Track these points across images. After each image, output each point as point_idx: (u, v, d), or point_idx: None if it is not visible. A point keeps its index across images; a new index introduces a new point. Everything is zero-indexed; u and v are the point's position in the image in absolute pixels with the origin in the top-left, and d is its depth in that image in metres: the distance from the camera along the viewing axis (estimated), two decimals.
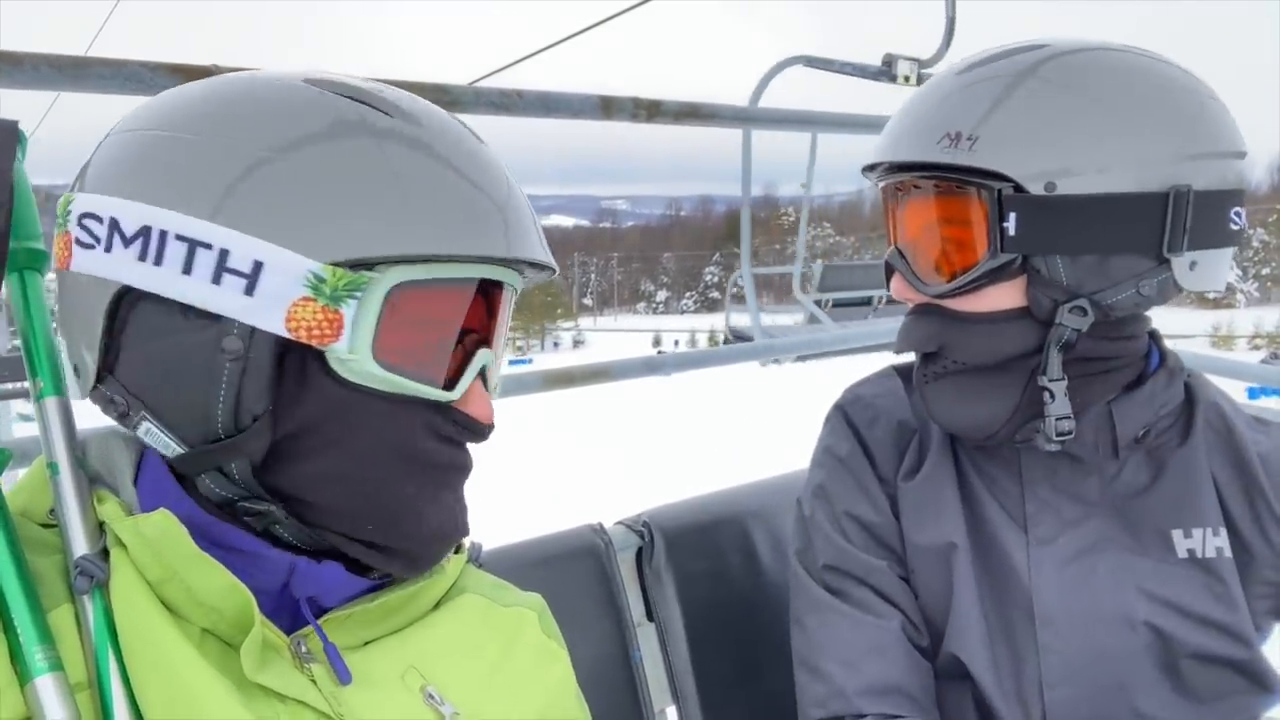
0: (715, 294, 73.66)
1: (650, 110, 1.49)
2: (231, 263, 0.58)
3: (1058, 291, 0.85)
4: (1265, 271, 51.66)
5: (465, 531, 0.70)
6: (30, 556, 0.59)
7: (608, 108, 1.45)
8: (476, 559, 0.82)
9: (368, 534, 0.65)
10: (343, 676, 0.63)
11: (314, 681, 0.62)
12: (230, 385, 0.59)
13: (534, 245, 0.67)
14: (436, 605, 0.75)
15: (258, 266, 0.58)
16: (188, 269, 0.58)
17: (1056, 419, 0.87)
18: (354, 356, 0.59)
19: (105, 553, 0.61)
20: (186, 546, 0.59)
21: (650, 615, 1.22)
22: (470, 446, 0.70)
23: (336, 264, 0.58)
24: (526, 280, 0.73)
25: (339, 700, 0.62)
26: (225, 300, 0.58)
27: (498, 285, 0.68)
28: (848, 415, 1.07)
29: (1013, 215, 0.84)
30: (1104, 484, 0.93)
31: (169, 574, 0.59)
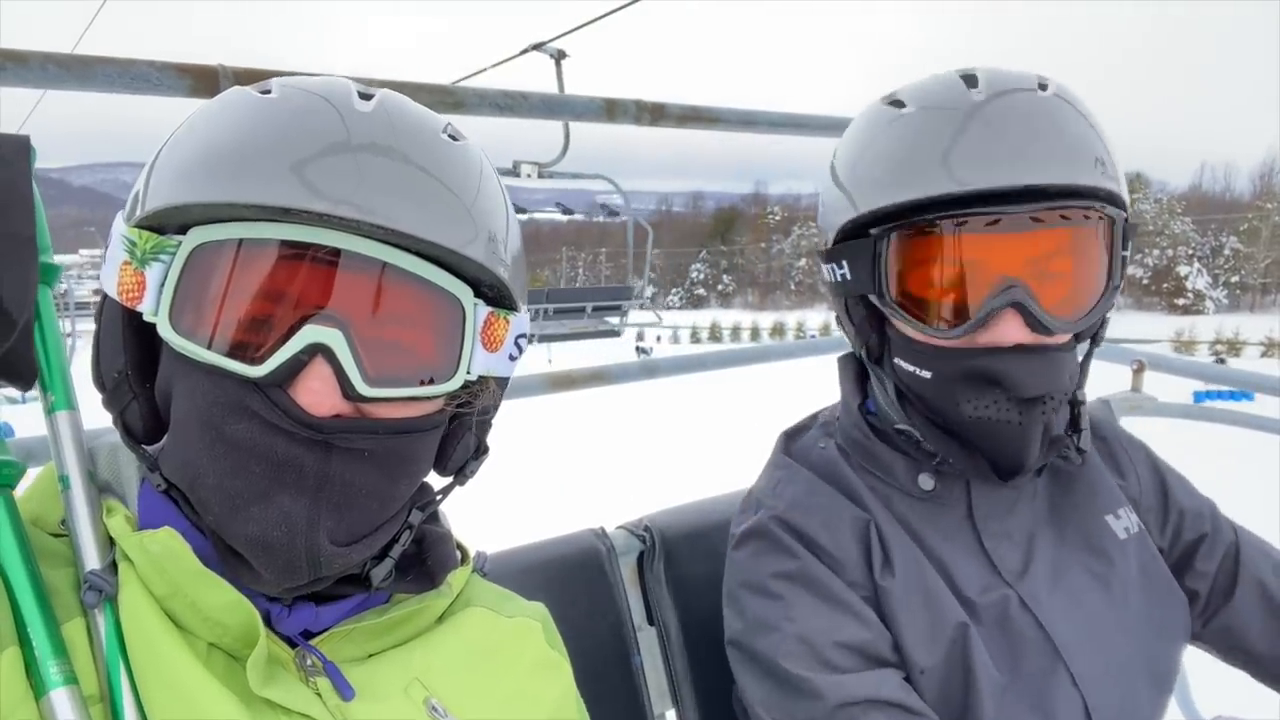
0: (701, 290, 73.63)
1: (654, 113, 1.48)
2: (110, 241, 0.62)
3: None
4: (1234, 279, 51.96)
5: (313, 552, 0.59)
6: (44, 569, 0.60)
7: (611, 111, 1.44)
8: (482, 569, 0.82)
9: (213, 525, 0.60)
10: (345, 693, 0.64)
11: (319, 695, 0.63)
12: (97, 340, 0.64)
13: (365, 206, 0.56)
14: (441, 618, 0.75)
15: (109, 239, 0.62)
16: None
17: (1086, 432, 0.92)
18: (157, 320, 0.59)
19: (115, 565, 0.61)
20: (190, 563, 0.60)
21: (651, 619, 1.22)
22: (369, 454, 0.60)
23: (143, 227, 0.60)
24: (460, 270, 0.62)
25: (344, 713, 0.63)
26: (102, 272, 0.63)
27: (336, 254, 0.58)
28: (794, 527, 0.93)
29: (1130, 243, 0.85)
30: (1030, 503, 0.97)
31: (174, 590, 0.60)
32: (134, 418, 0.63)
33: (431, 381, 0.62)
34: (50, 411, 0.66)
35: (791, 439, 1.06)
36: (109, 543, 0.62)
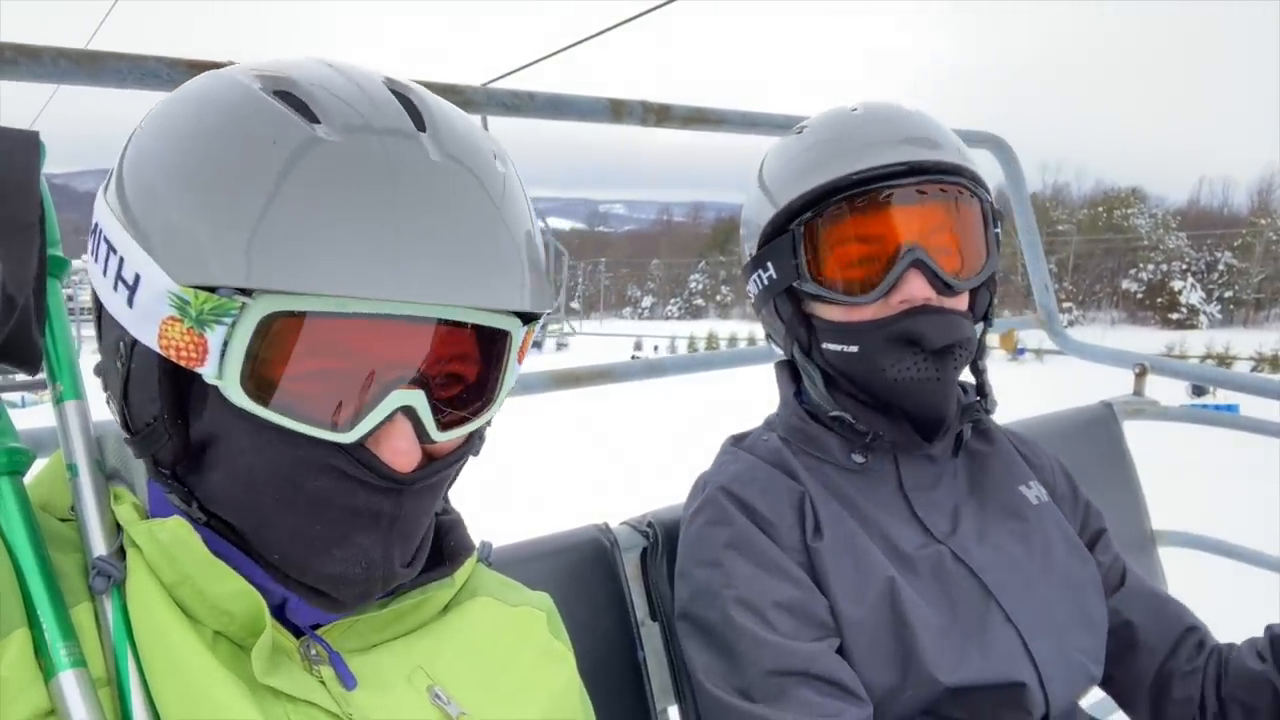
0: (700, 301, 73.63)
1: (660, 114, 1.49)
2: (124, 271, 0.57)
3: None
4: (1229, 294, 52.05)
5: (388, 579, 0.62)
6: (53, 553, 0.60)
7: (618, 111, 1.45)
8: (486, 558, 0.82)
9: (279, 564, 0.61)
10: (347, 683, 0.64)
11: (323, 683, 0.63)
12: (125, 388, 0.60)
13: (446, 289, 0.56)
14: (445, 608, 0.75)
15: (137, 280, 0.57)
16: (104, 270, 0.59)
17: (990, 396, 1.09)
18: (223, 384, 0.55)
19: (122, 551, 0.62)
20: (199, 552, 0.60)
21: (654, 614, 1.22)
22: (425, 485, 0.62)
23: (199, 287, 0.54)
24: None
25: (348, 701, 0.63)
26: (117, 307, 0.58)
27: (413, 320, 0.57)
28: (735, 495, 1.04)
29: (999, 224, 1.04)
30: (952, 481, 1.09)
31: (182, 578, 0.60)
32: (165, 454, 0.61)
33: (485, 409, 0.65)
34: (58, 401, 0.66)
35: (738, 440, 1.18)
36: (116, 529, 0.63)
